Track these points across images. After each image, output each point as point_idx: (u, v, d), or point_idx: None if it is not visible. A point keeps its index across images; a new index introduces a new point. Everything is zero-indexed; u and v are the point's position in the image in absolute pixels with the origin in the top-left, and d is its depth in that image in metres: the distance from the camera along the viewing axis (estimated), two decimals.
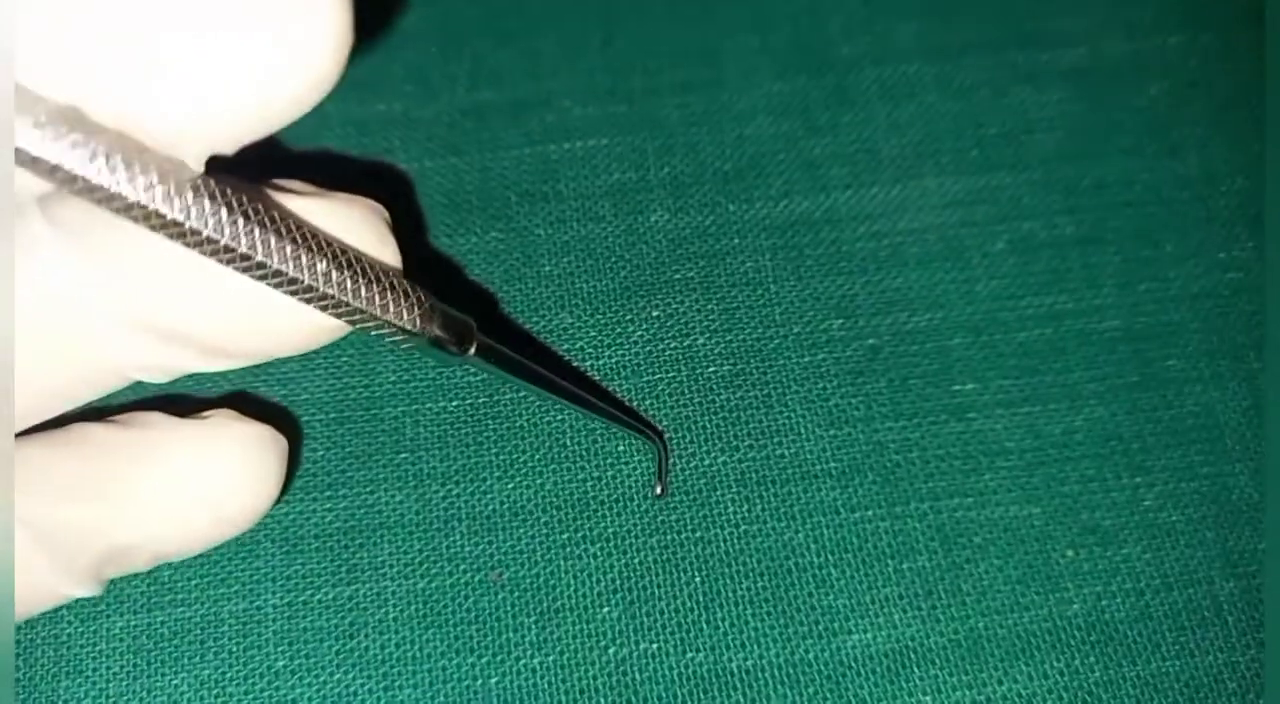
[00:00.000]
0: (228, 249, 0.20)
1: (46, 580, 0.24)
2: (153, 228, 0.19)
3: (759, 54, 0.35)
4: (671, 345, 0.32)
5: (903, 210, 0.33)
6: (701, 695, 0.27)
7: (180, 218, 0.19)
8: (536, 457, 0.29)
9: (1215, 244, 0.33)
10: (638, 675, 0.28)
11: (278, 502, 0.25)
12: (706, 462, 0.29)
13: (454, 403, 0.29)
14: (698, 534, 0.29)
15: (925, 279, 0.33)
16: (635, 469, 0.29)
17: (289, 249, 0.20)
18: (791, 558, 0.29)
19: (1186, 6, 0.34)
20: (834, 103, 0.34)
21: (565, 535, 0.29)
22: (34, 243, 0.21)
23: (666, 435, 0.30)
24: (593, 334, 0.30)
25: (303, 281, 0.21)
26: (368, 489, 0.29)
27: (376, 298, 0.22)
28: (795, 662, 0.28)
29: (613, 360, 0.30)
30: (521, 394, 0.30)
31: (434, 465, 0.29)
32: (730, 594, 0.29)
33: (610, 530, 0.28)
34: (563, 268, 0.31)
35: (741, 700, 0.28)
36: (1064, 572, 0.29)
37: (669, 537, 0.29)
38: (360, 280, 0.21)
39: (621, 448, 0.29)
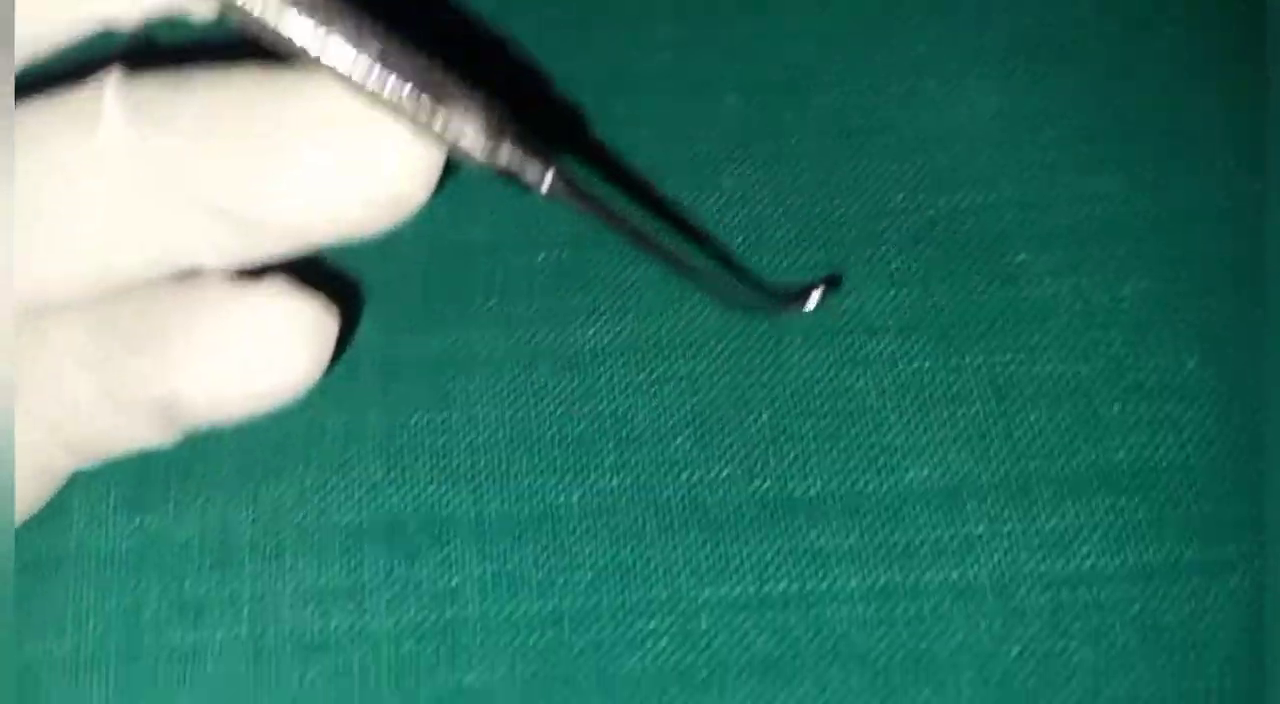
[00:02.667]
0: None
1: (115, 424, 0.24)
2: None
3: None
4: (740, 212, 0.33)
5: (959, 100, 0.35)
6: (768, 518, 0.29)
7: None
8: (616, 304, 0.31)
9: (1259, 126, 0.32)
10: (708, 498, 0.29)
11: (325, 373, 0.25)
12: (774, 316, 0.30)
13: (540, 257, 0.31)
14: (765, 377, 0.30)
15: (979, 162, 0.34)
16: (709, 317, 0.30)
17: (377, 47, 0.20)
18: (853, 402, 0.30)
19: None
20: (891, 4, 0.35)
21: (642, 375, 0.30)
22: (102, 119, 0.22)
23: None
24: (668, 200, 0.31)
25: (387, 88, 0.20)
26: (460, 328, 0.30)
27: (456, 110, 0.20)
28: (855, 493, 0.29)
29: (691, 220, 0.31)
30: (604, 246, 0.31)
31: (521, 311, 0.31)
32: (795, 431, 0.30)
33: (684, 371, 0.30)
34: (642, 140, 0.33)
35: (804, 524, 0.29)
36: (1111, 423, 0.30)
37: (739, 378, 0.30)
38: (444, 89, 0.20)
39: (695, 295, 0.30)
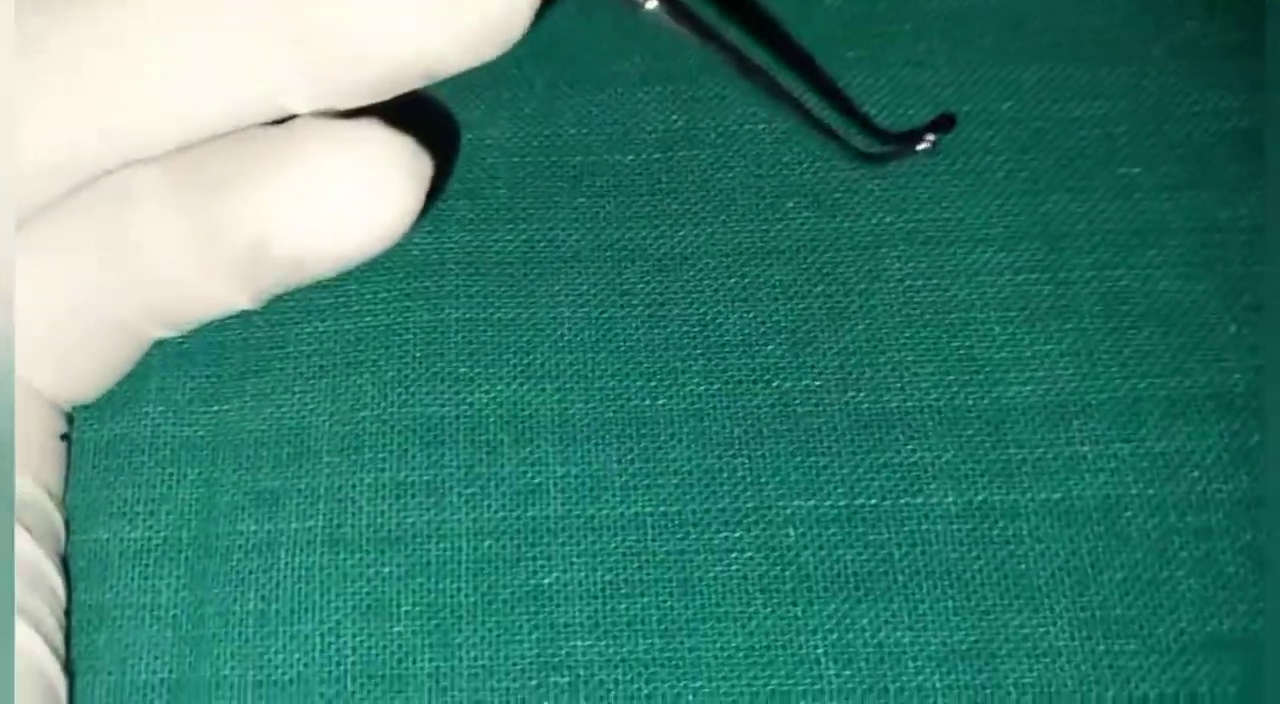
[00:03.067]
0: None
1: (197, 278, 0.23)
2: None
3: None
4: (838, 110, 0.30)
5: (1068, 10, 0.33)
6: (861, 430, 0.27)
7: None
8: (709, 207, 0.30)
9: None
10: (799, 409, 0.28)
11: (414, 223, 0.24)
12: (874, 221, 0.29)
13: (629, 157, 0.29)
14: (862, 286, 0.29)
15: (1091, 72, 0.32)
16: (803, 224, 0.28)
17: None
18: (954, 313, 0.28)
19: None
20: None
21: (733, 280, 0.29)
22: None
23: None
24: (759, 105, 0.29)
25: None
26: (546, 225, 0.29)
27: None
28: (955, 407, 0.28)
29: (785, 125, 0.29)
30: (697, 147, 0.30)
31: (610, 210, 0.30)
32: (893, 341, 0.29)
33: (777, 278, 0.29)
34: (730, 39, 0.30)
35: (900, 438, 0.27)
36: (1226, 345, 0.29)
37: (834, 287, 0.29)
38: None
39: (790, 204, 0.28)
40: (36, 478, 0.24)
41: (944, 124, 0.27)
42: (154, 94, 0.22)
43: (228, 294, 0.24)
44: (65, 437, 0.25)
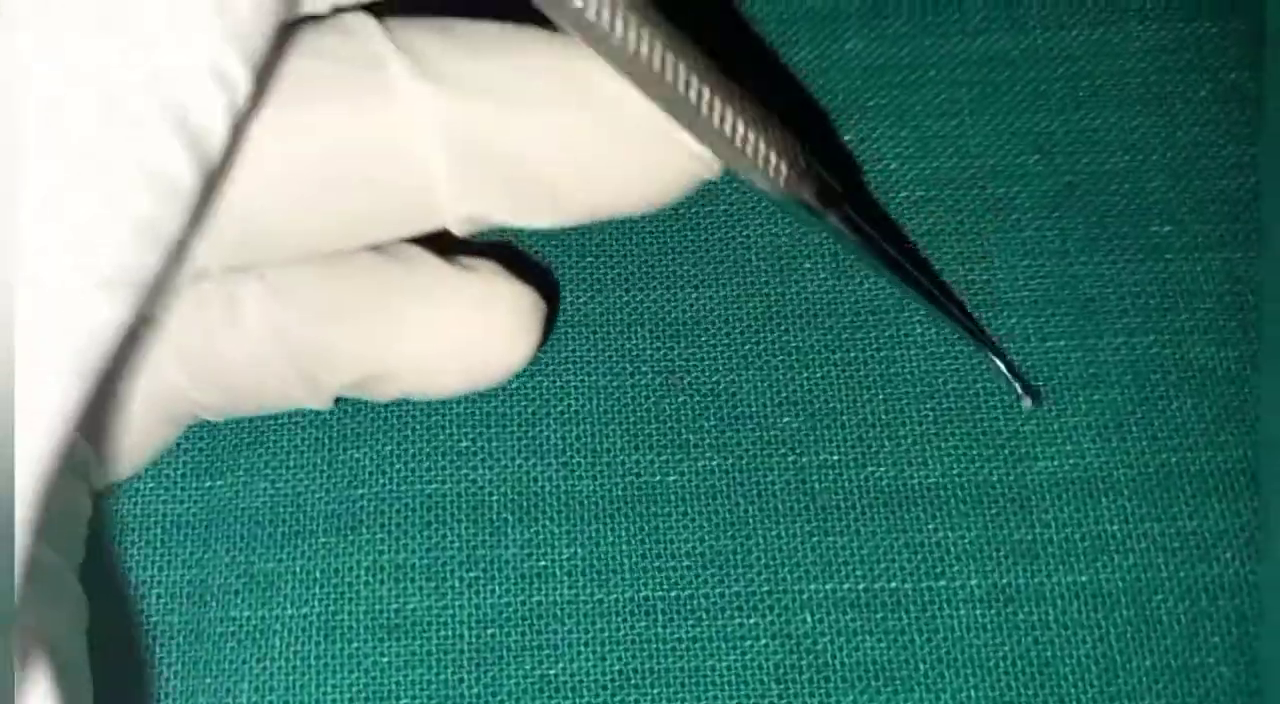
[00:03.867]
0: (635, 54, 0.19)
1: (289, 390, 0.23)
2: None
3: None
4: (863, 169, 0.30)
5: (1103, 53, 0.31)
6: (882, 507, 0.26)
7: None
8: (722, 269, 0.29)
9: None
10: (817, 485, 0.27)
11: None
12: (891, 289, 0.27)
13: (642, 218, 0.28)
14: (883, 354, 0.28)
15: (1124, 122, 0.30)
16: (820, 287, 0.27)
17: (689, 67, 0.20)
18: (979, 382, 0.28)
19: None
20: None
21: (747, 347, 0.28)
22: (390, 77, 0.21)
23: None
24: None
25: (693, 103, 0.20)
26: (551, 288, 0.29)
27: (760, 140, 0.21)
28: (980, 483, 0.27)
29: None
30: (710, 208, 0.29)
31: (619, 272, 0.29)
32: (914, 413, 0.28)
33: (794, 345, 0.28)
34: (758, 88, 0.29)
35: (922, 516, 0.26)
36: (1261, 416, 0.26)
37: (853, 354, 0.28)
38: (748, 120, 0.21)
39: (808, 265, 0.27)
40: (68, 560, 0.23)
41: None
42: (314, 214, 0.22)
43: (306, 400, 0.24)
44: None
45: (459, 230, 0.22)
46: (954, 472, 0.27)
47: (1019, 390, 0.26)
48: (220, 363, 0.23)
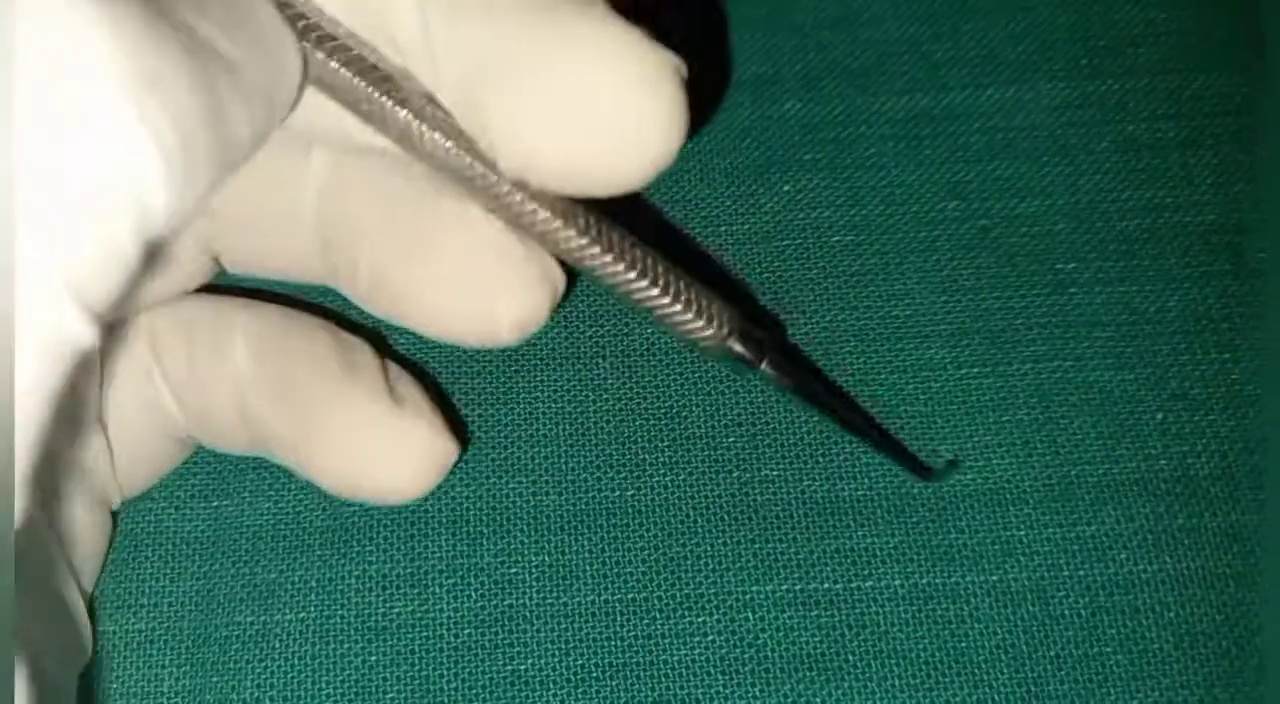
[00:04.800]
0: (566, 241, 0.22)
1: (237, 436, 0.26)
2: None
3: None
4: (800, 216, 0.32)
5: (1016, 110, 0.34)
6: (815, 517, 0.29)
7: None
8: None
9: None
10: (758, 497, 0.29)
11: None
12: (827, 319, 0.30)
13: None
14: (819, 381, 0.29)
15: (1034, 171, 0.33)
16: (763, 321, 0.30)
17: (617, 261, 0.22)
18: (902, 406, 0.30)
19: None
20: (957, 11, 0.35)
21: (696, 375, 0.30)
22: None
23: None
24: (728, 204, 0.31)
25: (621, 284, 0.22)
26: None
27: (680, 312, 0.23)
28: (902, 495, 0.29)
29: (745, 228, 0.31)
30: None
31: (583, 309, 0.32)
32: (843, 434, 0.29)
33: (736, 375, 0.29)
34: (702, 146, 0.32)
35: (850, 525, 0.29)
36: (1153, 432, 0.30)
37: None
38: (670, 295, 0.23)
39: (748, 304, 0.30)
40: (86, 584, 0.25)
41: (954, 463, 0.30)
42: None
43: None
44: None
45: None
46: (879, 484, 0.29)
47: (919, 474, 0.28)
48: (203, 397, 0.25)
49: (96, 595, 0.27)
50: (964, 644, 0.28)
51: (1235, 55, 0.33)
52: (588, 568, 0.29)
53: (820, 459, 0.30)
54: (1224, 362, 0.30)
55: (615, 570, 0.29)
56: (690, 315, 0.22)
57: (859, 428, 0.27)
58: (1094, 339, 0.31)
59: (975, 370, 0.31)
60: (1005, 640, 0.28)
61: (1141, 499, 0.29)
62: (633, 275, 0.22)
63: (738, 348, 0.23)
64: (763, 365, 0.24)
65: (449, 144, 0.21)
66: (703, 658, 0.28)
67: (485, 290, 0.22)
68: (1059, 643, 0.28)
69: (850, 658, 0.28)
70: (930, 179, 0.33)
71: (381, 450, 0.24)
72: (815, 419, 0.30)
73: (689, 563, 0.29)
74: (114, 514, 0.27)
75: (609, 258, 0.22)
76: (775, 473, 0.30)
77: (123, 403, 0.25)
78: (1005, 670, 0.28)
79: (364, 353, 0.26)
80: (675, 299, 0.22)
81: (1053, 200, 0.33)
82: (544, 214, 0.21)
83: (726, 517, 0.30)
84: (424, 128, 0.21)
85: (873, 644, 0.28)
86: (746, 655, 0.28)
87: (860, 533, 0.29)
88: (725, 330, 0.23)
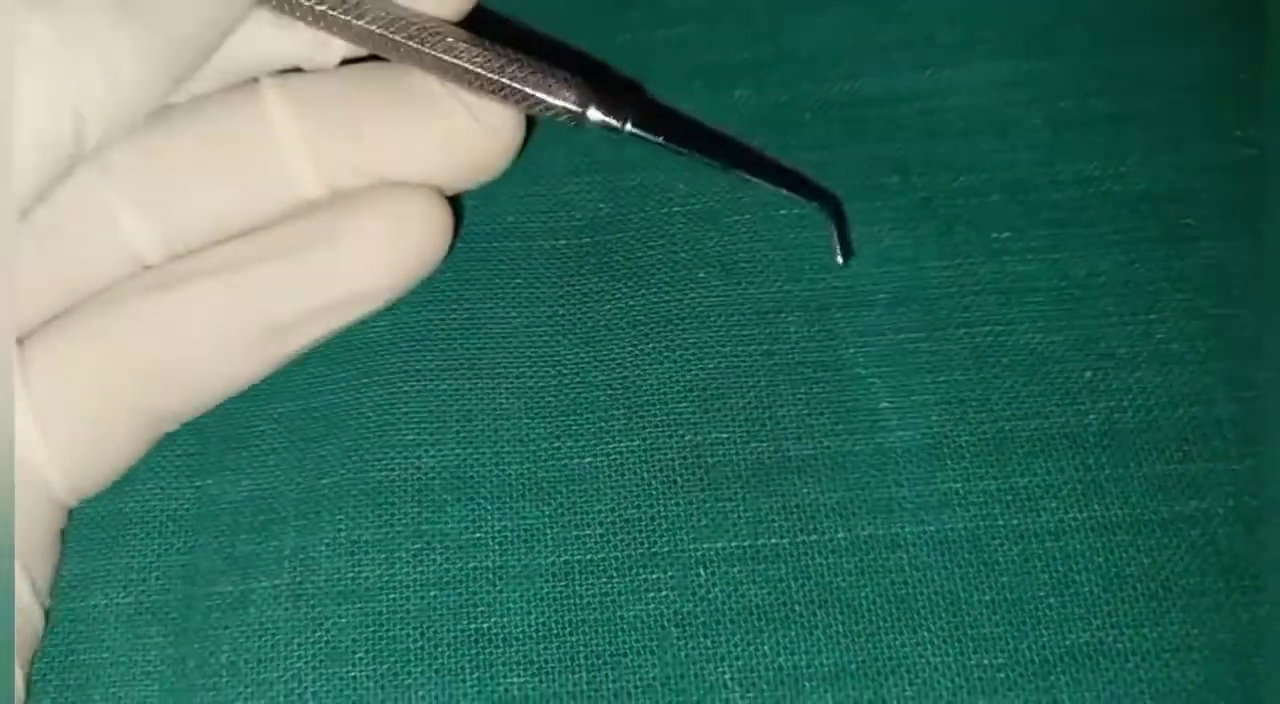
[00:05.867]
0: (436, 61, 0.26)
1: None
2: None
3: None
4: (748, 195, 0.33)
5: (953, 90, 0.34)
6: (763, 476, 0.30)
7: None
8: (631, 284, 0.33)
9: (1231, 124, 0.34)
10: (709, 459, 0.30)
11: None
12: (774, 289, 0.31)
13: (561, 241, 0.32)
14: (764, 347, 0.31)
15: (971, 147, 0.34)
16: (710, 293, 0.32)
17: (477, 59, 0.26)
18: (844, 371, 0.31)
19: None
20: None
21: (650, 345, 0.32)
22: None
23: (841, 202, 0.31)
24: (680, 186, 0.33)
25: (485, 85, 0.26)
26: (488, 304, 0.32)
27: (543, 85, 0.26)
28: (844, 452, 0.30)
29: (698, 207, 0.32)
30: (620, 231, 0.33)
31: (544, 289, 0.33)
32: (789, 396, 0.31)
33: (690, 341, 0.31)
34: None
35: (796, 482, 0.30)
36: (1082, 389, 0.31)
37: (738, 349, 0.31)
38: (528, 70, 0.26)
39: (700, 274, 0.32)
40: (35, 576, 0.26)
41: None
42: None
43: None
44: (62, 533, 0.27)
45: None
46: (824, 444, 0.30)
47: (836, 250, 0.30)
48: (187, 363, 0.26)
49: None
50: (904, 592, 0.29)
51: (1159, 34, 0.35)
52: (548, 531, 0.30)
53: (768, 421, 0.31)
54: (1149, 322, 0.31)
55: (574, 533, 0.30)
56: (550, 96, 0.26)
57: (749, 162, 0.29)
58: (1026, 304, 0.32)
59: (914, 334, 0.32)
60: (943, 587, 0.29)
61: (1070, 452, 0.30)
62: (502, 65, 0.25)
63: (598, 116, 0.26)
64: (626, 126, 0.26)
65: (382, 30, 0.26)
66: (657, 612, 0.29)
67: (474, 113, 0.26)
68: (994, 588, 0.29)
69: (797, 608, 0.29)
70: (873, 156, 0.34)
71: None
72: (764, 382, 0.31)
73: (644, 523, 0.30)
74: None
75: (485, 61, 0.26)
76: (725, 435, 0.31)
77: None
78: (943, 616, 0.29)
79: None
80: (535, 84, 0.26)
81: (988, 175, 0.33)
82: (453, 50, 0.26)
83: (679, 479, 0.30)
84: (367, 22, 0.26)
85: (818, 595, 0.29)
86: (699, 609, 0.29)
87: (805, 490, 0.30)
88: (583, 102, 0.26)
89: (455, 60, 0.25)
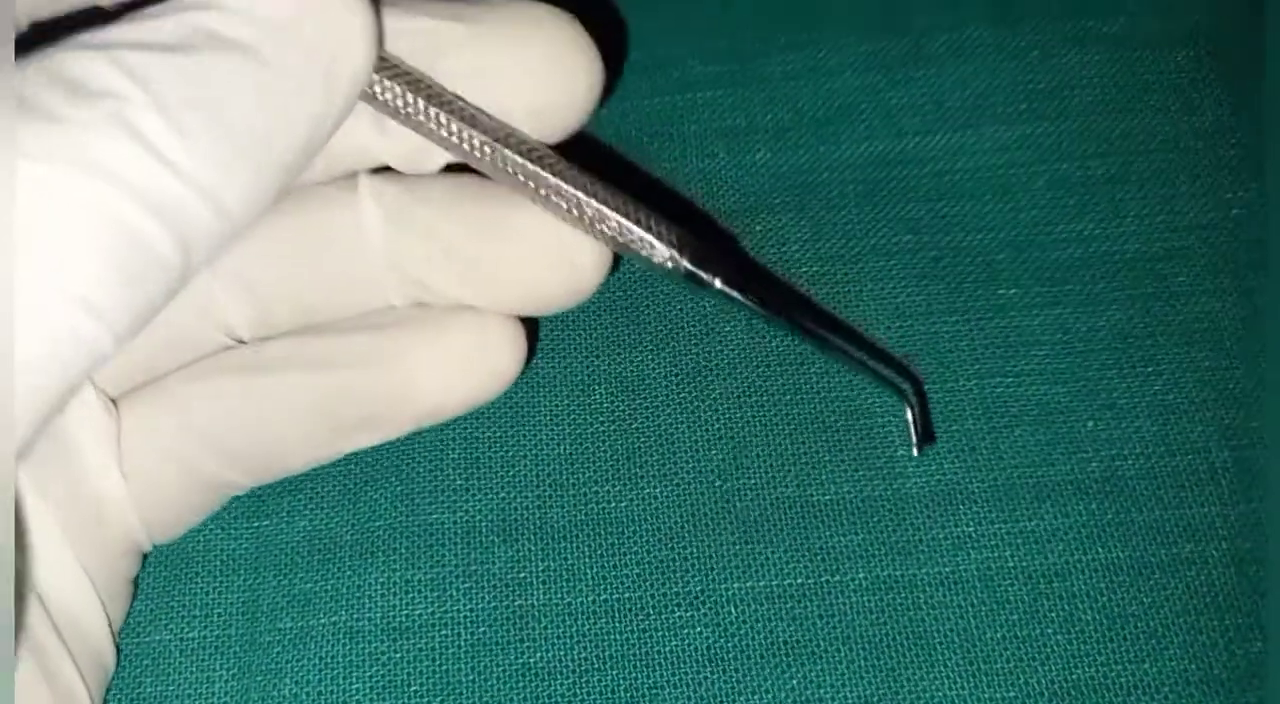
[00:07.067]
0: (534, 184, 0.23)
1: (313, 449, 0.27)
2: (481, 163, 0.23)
3: (850, 18, 0.37)
4: (770, 252, 0.34)
5: (961, 153, 0.35)
6: (789, 520, 0.31)
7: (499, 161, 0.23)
8: (662, 335, 0.34)
9: (1223, 186, 0.34)
10: (738, 504, 0.31)
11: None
12: (797, 342, 0.32)
13: (596, 294, 0.33)
14: (788, 397, 0.32)
15: (978, 208, 0.35)
16: (738, 345, 0.33)
17: (583, 188, 0.24)
18: (864, 419, 0.32)
19: None
20: (910, 61, 0.36)
21: (683, 396, 0.33)
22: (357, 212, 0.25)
23: (923, 383, 0.31)
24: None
25: (584, 216, 0.24)
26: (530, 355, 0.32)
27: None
28: (864, 497, 0.31)
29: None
30: (652, 286, 0.34)
31: (581, 341, 0.34)
32: (814, 444, 0.32)
33: (718, 392, 0.32)
34: (683, 193, 0.35)
35: (819, 525, 0.31)
36: (1085, 438, 0.32)
37: (765, 399, 0.32)
38: (634, 212, 0.24)
39: (728, 326, 0.33)
40: (111, 616, 0.26)
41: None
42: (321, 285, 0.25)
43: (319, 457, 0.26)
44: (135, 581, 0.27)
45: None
46: (845, 489, 0.31)
47: (913, 439, 0.30)
48: (258, 433, 0.26)
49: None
50: (921, 629, 0.30)
51: (1153, 98, 0.35)
52: (588, 571, 0.31)
53: (793, 468, 0.32)
54: (1147, 374, 0.32)
55: (613, 573, 0.31)
56: (646, 235, 0.24)
57: (834, 343, 0.26)
58: (1031, 357, 0.33)
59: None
60: (958, 625, 0.30)
61: (1075, 498, 0.31)
62: (596, 202, 0.23)
63: (688, 266, 0.24)
64: (716, 283, 0.24)
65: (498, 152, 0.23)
66: (691, 648, 0.30)
67: (559, 248, 0.24)
68: (1005, 625, 0.30)
69: (820, 644, 0.30)
70: (886, 216, 0.35)
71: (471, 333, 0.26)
72: (789, 431, 0.32)
73: (678, 564, 0.31)
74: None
75: (581, 194, 0.23)
76: (753, 481, 0.32)
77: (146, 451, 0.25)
78: (958, 651, 0.30)
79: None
80: (633, 222, 0.24)
81: (995, 234, 0.34)
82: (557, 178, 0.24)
83: (711, 522, 0.31)
84: (478, 140, 0.23)
85: (841, 632, 0.30)
86: (729, 645, 0.30)
87: (828, 533, 0.31)
88: (678, 250, 0.24)
89: (565, 188, 0.23)
